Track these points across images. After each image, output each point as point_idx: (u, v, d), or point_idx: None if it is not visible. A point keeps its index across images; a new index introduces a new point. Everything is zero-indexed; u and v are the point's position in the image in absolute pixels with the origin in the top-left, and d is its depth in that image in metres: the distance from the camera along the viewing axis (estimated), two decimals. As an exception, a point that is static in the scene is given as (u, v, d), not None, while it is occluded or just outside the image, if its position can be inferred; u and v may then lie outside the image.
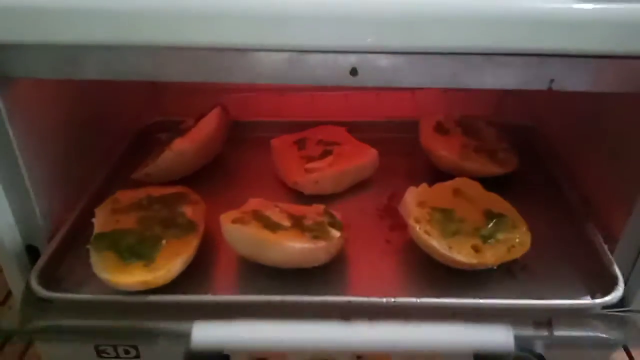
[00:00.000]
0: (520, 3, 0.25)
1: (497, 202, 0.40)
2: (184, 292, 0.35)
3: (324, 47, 0.27)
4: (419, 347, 0.33)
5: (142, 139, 0.55)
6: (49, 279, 0.36)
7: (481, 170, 0.45)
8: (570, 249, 0.40)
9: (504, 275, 0.37)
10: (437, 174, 0.46)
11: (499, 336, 0.31)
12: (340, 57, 0.27)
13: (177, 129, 0.49)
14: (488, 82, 0.27)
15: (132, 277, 0.34)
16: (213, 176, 0.49)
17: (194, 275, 0.37)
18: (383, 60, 0.27)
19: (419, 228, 0.37)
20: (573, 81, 0.27)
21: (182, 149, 0.45)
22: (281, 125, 0.54)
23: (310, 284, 0.36)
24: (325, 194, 0.45)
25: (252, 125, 0.56)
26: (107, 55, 0.28)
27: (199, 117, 0.49)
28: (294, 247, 0.35)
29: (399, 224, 0.41)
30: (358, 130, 0.51)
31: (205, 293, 0.36)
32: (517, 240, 0.37)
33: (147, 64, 0.29)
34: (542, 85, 0.27)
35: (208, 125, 0.48)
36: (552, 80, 0.27)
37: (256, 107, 0.58)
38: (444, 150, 0.47)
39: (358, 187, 0.47)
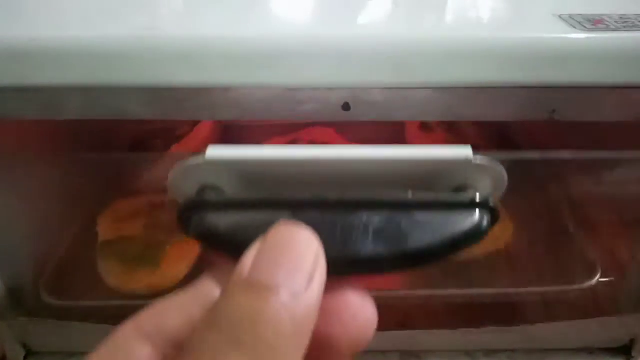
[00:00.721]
0: (514, 35, 0.24)
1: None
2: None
3: (314, 84, 0.26)
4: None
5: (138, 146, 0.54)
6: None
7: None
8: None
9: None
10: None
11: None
12: (332, 93, 0.26)
13: (173, 136, 0.49)
14: (487, 114, 0.26)
15: (140, 282, 0.35)
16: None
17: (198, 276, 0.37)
18: (377, 95, 0.26)
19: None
20: (574, 112, 0.26)
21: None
22: (272, 127, 0.52)
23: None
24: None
25: (243, 128, 0.54)
26: (86, 97, 0.27)
27: (194, 123, 0.48)
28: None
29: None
30: (347, 131, 0.51)
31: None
32: (501, 230, 0.38)
33: (129, 104, 0.27)
34: (542, 117, 0.26)
35: (204, 130, 0.48)
36: (553, 111, 0.26)
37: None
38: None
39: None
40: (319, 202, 0.22)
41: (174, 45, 0.25)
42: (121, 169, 0.49)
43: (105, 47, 0.25)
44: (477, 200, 0.23)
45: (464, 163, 0.23)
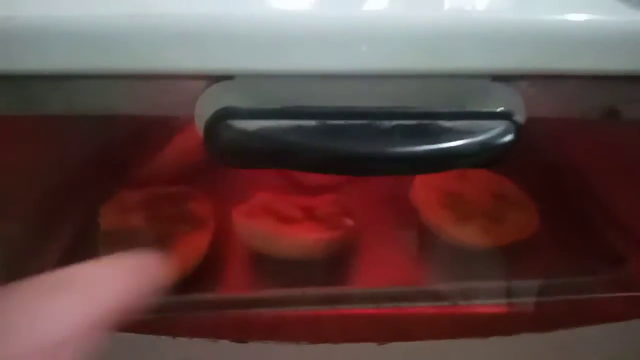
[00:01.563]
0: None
1: (502, 184, 0.41)
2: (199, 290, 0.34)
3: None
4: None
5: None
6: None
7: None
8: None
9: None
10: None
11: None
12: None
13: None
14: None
15: None
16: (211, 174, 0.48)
17: (207, 271, 0.36)
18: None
19: (432, 212, 0.37)
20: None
21: (183, 147, 0.45)
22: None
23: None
24: (330, 184, 0.45)
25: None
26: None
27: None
28: (309, 238, 0.35)
29: (408, 210, 0.41)
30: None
31: (221, 289, 0.35)
32: (526, 219, 0.37)
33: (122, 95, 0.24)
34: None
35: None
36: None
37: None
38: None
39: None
40: (346, 111, 0.22)
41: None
42: (126, 158, 0.48)
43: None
44: (502, 111, 0.23)
45: (485, 80, 0.23)
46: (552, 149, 0.45)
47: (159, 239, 0.36)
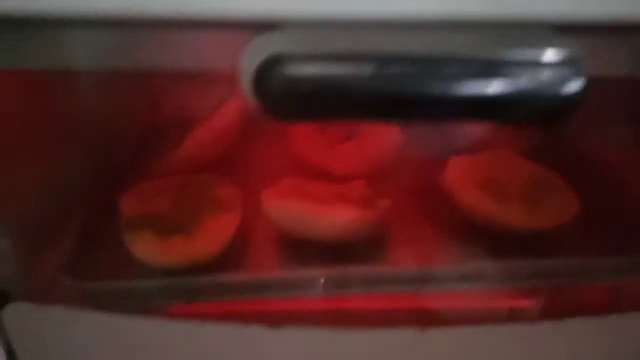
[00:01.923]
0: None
1: (537, 169, 0.40)
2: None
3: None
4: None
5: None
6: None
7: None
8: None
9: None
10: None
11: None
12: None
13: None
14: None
15: (173, 253, 0.32)
16: (234, 164, 0.47)
17: (235, 256, 0.34)
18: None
19: (468, 195, 0.36)
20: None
21: (203, 138, 0.43)
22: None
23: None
24: (361, 172, 0.43)
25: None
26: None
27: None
28: (346, 218, 0.33)
29: (441, 196, 0.39)
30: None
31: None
32: (565, 202, 0.36)
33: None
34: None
35: (229, 112, 0.46)
36: None
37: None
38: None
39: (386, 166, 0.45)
40: (405, 57, 0.21)
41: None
42: (146, 148, 0.47)
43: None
44: (567, 58, 0.22)
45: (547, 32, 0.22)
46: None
47: (185, 222, 0.34)
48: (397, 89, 0.19)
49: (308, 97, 0.20)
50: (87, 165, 0.41)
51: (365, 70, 0.19)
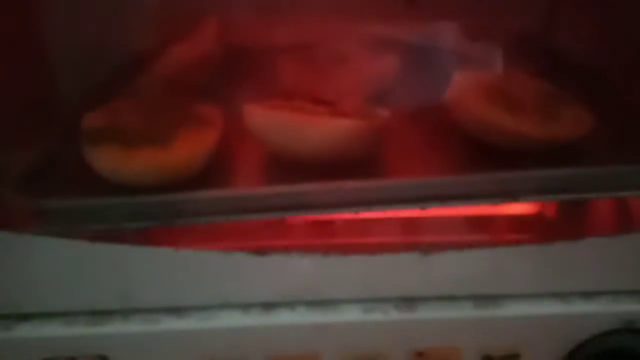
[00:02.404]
0: None
1: (548, 86, 0.36)
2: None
3: None
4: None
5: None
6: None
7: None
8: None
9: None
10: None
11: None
12: None
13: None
14: None
15: (143, 161, 0.28)
16: (216, 92, 0.42)
17: (215, 176, 0.30)
18: None
19: (479, 106, 0.32)
20: None
21: (181, 56, 0.39)
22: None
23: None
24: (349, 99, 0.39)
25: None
26: None
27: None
28: (340, 126, 0.29)
29: (442, 116, 0.36)
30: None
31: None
32: (580, 116, 0.33)
33: None
34: None
35: (206, 37, 0.42)
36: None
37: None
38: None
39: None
40: None
41: None
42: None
43: None
44: None
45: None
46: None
47: (157, 135, 0.30)
48: None
49: None
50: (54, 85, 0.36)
51: None
